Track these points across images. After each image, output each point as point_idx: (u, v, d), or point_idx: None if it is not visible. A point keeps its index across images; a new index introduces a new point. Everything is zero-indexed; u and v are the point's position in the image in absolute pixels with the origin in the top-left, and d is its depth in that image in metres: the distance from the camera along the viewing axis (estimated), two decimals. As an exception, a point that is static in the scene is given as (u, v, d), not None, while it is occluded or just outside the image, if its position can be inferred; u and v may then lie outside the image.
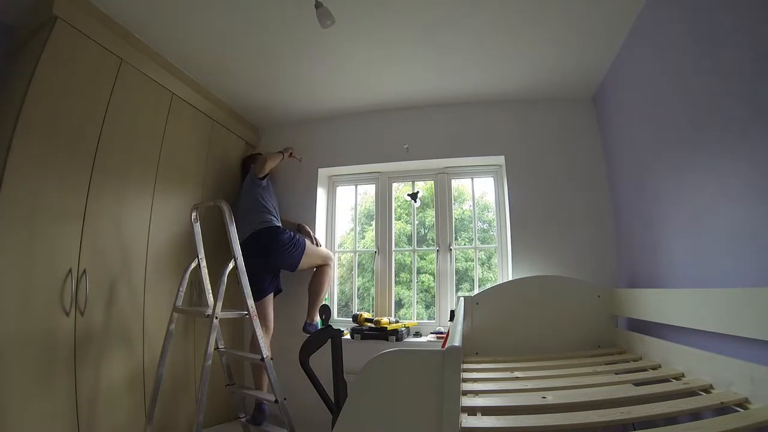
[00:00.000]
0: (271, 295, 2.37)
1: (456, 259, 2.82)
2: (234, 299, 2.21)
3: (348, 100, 2.71)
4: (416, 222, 3.03)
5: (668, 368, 1.38)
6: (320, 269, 2.50)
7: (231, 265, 1.84)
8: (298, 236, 2.40)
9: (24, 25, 1.75)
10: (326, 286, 2.52)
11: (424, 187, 3.08)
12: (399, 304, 3.04)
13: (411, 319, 2.74)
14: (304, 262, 2.39)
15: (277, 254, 2.30)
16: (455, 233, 2.85)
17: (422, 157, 2.76)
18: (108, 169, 1.81)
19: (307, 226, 2.71)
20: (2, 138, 1.49)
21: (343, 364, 1.89)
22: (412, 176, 2.95)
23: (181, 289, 1.94)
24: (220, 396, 2.27)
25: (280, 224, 2.42)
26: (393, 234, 2.89)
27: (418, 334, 2.63)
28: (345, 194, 3.11)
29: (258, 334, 1.85)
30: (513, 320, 1.97)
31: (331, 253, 2.65)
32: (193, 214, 2.01)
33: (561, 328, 1.93)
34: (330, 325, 2.06)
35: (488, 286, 2.26)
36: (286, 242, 2.31)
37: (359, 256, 3.05)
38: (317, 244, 2.65)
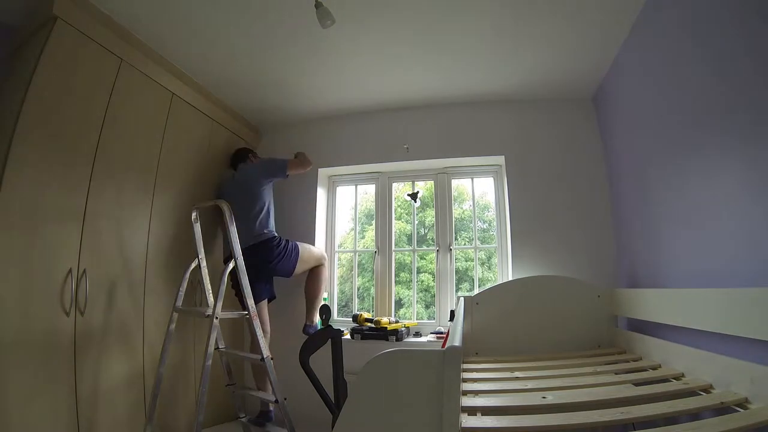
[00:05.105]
0: (266, 302, 2.34)
1: (456, 259, 2.82)
2: (234, 299, 2.22)
3: (348, 100, 2.71)
4: (416, 222, 3.03)
5: (668, 368, 1.38)
6: (315, 270, 2.49)
7: (231, 265, 1.84)
8: (291, 243, 2.37)
9: (24, 25, 1.75)
10: (322, 286, 2.51)
11: (424, 187, 3.08)
12: (399, 304, 3.04)
13: (411, 319, 2.74)
14: (299, 268, 2.38)
15: (272, 266, 2.29)
16: (455, 233, 2.85)
17: (422, 157, 2.76)
18: (108, 169, 1.81)
19: (303, 153, 2.63)
20: (2, 138, 1.49)
21: (343, 364, 1.89)
22: (412, 176, 2.95)
23: (181, 289, 1.94)
24: (220, 396, 2.27)
25: (275, 233, 2.37)
26: (393, 234, 2.89)
27: (418, 334, 2.63)
28: (345, 194, 3.11)
29: (258, 334, 1.85)
30: (513, 320, 1.97)
31: (325, 253, 2.63)
32: (194, 214, 2.01)
33: (561, 328, 1.93)
34: (330, 325, 2.06)
35: (488, 286, 2.26)
36: (279, 254, 2.29)
37: (359, 256, 3.05)
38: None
